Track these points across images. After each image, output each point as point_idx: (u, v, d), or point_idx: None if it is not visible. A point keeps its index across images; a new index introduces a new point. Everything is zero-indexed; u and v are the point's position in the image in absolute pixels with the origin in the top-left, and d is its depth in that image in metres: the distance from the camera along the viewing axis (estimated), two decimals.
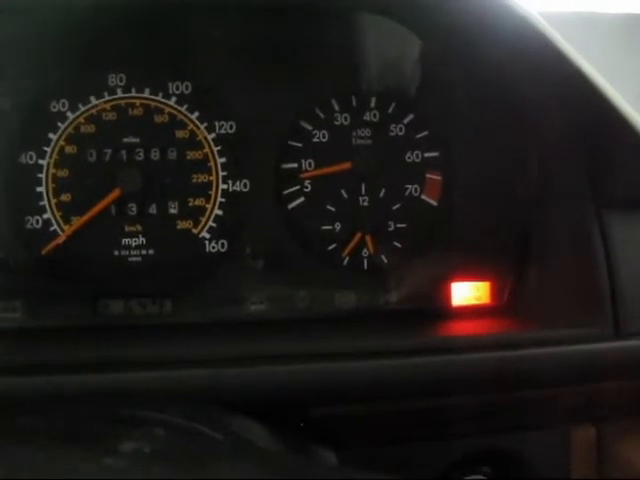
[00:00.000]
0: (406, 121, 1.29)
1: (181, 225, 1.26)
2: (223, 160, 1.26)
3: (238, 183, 1.26)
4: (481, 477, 1.21)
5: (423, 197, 1.29)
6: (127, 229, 1.25)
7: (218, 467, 0.69)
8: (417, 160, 1.29)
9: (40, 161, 1.23)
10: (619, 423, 1.21)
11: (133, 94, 1.25)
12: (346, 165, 1.27)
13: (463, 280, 1.28)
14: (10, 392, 1.00)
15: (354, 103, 1.28)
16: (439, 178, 1.29)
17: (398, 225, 1.29)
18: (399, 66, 1.28)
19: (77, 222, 1.23)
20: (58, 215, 1.23)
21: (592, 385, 1.13)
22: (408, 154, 1.29)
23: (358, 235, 1.28)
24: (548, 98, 1.14)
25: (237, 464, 0.71)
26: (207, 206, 1.26)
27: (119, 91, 1.25)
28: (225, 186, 1.26)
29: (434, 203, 1.30)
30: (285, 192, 1.27)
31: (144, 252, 1.25)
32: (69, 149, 1.24)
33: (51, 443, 0.74)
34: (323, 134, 1.28)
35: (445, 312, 1.27)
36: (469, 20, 1.11)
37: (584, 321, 1.13)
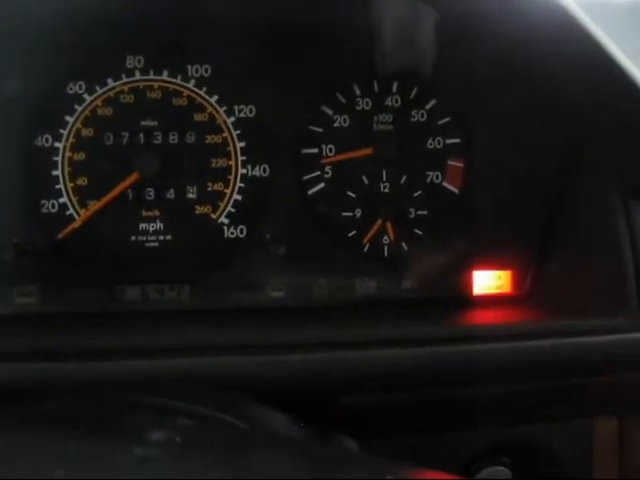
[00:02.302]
0: (428, 107, 1.27)
1: (199, 210, 1.24)
2: (242, 144, 1.24)
3: (257, 168, 1.24)
4: (502, 468, 1.20)
5: (444, 184, 1.28)
6: (144, 214, 1.23)
7: (254, 457, 0.68)
8: (439, 146, 1.28)
9: (56, 144, 1.21)
10: None
11: (151, 76, 1.23)
12: (367, 151, 1.25)
13: (484, 269, 1.27)
14: (24, 378, 0.98)
15: (376, 88, 1.27)
16: (461, 165, 1.28)
17: (419, 212, 1.28)
18: (422, 51, 1.25)
19: (93, 206, 1.21)
20: (74, 199, 1.21)
21: (615, 376, 1.12)
22: (430, 140, 1.27)
23: (379, 222, 1.26)
24: (576, 84, 1.12)
25: (272, 453, 0.69)
26: (226, 191, 1.24)
27: (137, 73, 1.22)
28: (244, 171, 1.24)
29: (455, 190, 1.28)
30: (305, 178, 1.26)
31: (161, 237, 1.23)
32: (86, 132, 1.22)
33: (79, 432, 0.73)
34: (344, 119, 1.26)
35: (466, 301, 1.26)
36: (494, 3, 1.09)
37: (608, 311, 1.11)
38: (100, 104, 1.22)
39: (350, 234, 1.27)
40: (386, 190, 1.27)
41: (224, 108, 1.24)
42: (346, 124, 1.26)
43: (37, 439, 0.70)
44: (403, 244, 1.27)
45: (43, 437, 0.71)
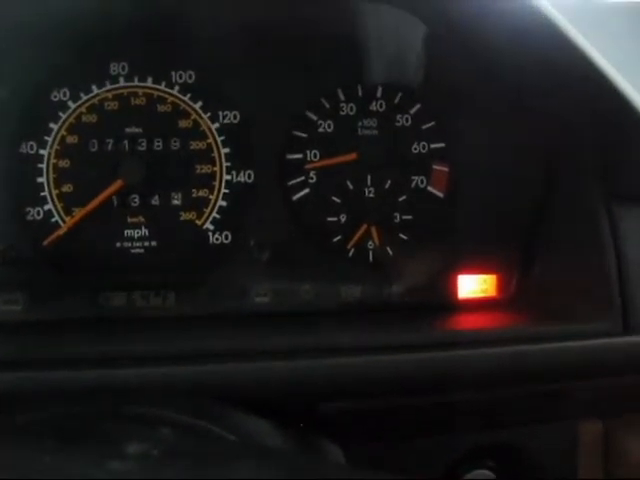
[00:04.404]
0: (412, 111, 1.27)
1: (184, 216, 1.24)
2: (227, 150, 1.24)
3: (242, 174, 1.24)
4: (487, 471, 1.20)
5: (429, 189, 1.28)
6: (129, 220, 1.23)
7: (230, 470, 0.68)
8: (423, 151, 1.28)
9: (41, 151, 1.21)
10: (626, 418, 1.20)
11: (135, 83, 1.23)
12: (352, 156, 1.25)
13: (470, 273, 1.27)
14: (10, 387, 0.98)
15: (360, 93, 1.27)
16: (445, 169, 1.28)
17: (404, 217, 1.28)
18: (406, 56, 1.26)
19: (79, 213, 1.21)
20: (59, 206, 1.22)
21: (600, 380, 1.12)
22: (414, 145, 1.27)
23: (363, 227, 1.26)
24: (558, 89, 1.12)
25: (249, 466, 0.69)
26: (211, 197, 1.24)
27: (121, 80, 1.22)
28: (229, 177, 1.24)
29: (440, 195, 1.28)
30: (290, 183, 1.26)
31: (147, 244, 1.23)
32: (70, 139, 1.22)
33: (54, 445, 0.73)
34: (328, 124, 1.26)
35: (451, 305, 1.26)
36: (476, 8, 1.09)
37: (592, 316, 1.12)
38: (84, 111, 1.22)
39: (335, 239, 1.27)
40: (371, 195, 1.27)
41: (208, 114, 1.24)
42: (330, 129, 1.26)
43: (11, 451, 0.70)
44: (388, 249, 1.28)
45: (17, 449, 0.71)
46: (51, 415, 0.85)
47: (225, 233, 1.25)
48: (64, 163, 1.22)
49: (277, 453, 0.84)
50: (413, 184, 1.28)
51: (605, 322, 1.10)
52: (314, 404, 1.04)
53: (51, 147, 1.21)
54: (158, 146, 1.23)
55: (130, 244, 1.23)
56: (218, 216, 1.24)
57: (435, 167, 1.27)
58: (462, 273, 1.27)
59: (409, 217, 1.27)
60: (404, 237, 1.28)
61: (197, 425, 0.84)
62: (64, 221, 1.22)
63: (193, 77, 1.24)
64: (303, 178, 1.26)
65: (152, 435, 0.77)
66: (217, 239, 1.25)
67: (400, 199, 1.27)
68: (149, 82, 1.23)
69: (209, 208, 1.24)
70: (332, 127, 1.26)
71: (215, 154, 1.24)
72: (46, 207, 1.22)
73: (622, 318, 1.10)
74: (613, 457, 1.19)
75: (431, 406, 1.10)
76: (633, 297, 1.10)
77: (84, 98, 1.22)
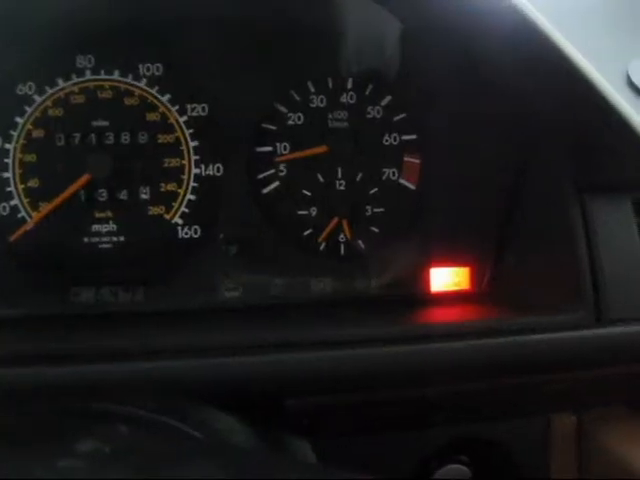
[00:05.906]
0: (383, 103, 1.26)
1: (153, 211, 1.22)
2: (195, 144, 1.23)
3: (211, 167, 1.23)
4: (460, 466, 1.19)
5: (401, 181, 1.27)
6: (97, 215, 1.21)
7: (181, 471, 0.66)
8: (395, 143, 1.26)
9: (7, 145, 1.19)
10: (600, 411, 1.19)
11: (102, 76, 1.21)
12: (322, 148, 1.24)
13: (442, 266, 1.26)
14: None
15: (330, 85, 1.25)
16: (417, 161, 1.27)
17: (375, 210, 1.26)
18: (377, 47, 1.24)
19: (45, 208, 1.19)
20: (26, 201, 1.20)
21: (573, 372, 1.11)
22: (385, 137, 1.26)
23: (334, 220, 1.25)
24: (530, 81, 1.11)
25: (201, 467, 0.68)
26: (179, 191, 1.22)
27: (88, 73, 1.21)
28: (198, 170, 1.23)
29: (412, 187, 1.27)
30: (259, 176, 1.24)
31: (115, 239, 1.22)
32: (37, 133, 1.20)
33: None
34: (298, 117, 1.25)
35: (424, 298, 1.25)
36: (449, 3, 1.08)
37: (565, 307, 1.10)
38: (50, 105, 1.20)
39: (306, 233, 1.26)
40: (342, 188, 1.25)
41: (176, 107, 1.22)
42: (300, 122, 1.25)
43: None
44: (359, 242, 1.26)
45: None
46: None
47: (194, 227, 1.23)
48: (30, 158, 1.20)
49: (237, 451, 0.83)
50: (384, 176, 1.26)
51: (578, 314, 1.09)
52: (284, 399, 1.02)
53: (17, 141, 1.19)
54: (125, 140, 1.21)
55: (98, 239, 1.22)
56: (187, 210, 1.23)
57: (406, 159, 1.26)
58: (435, 266, 1.26)
59: (380, 210, 1.26)
60: (375, 230, 1.26)
61: (161, 422, 0.83)
62: (31, 216, 1.20)
63: (161, 70, 1.22)
64: (273, 171, 1.25)
65: (107, 432, 0.76)
66: (186, 233, 1.23)
67: (371, 192, 1.26)
68: (116, 75, 1.21)
69: (178, 202, 1.23)
70: (302, 119, 1.25)
71: (183, 147, 1.22)
72: (12, 202, 1.20)
73: (594, 310, 1.08)
74: (586, 450, 1.19)
75: (404, 400, 1.08)
76: (606, 288, 1.09)
77: (50, 92, 1.20)
